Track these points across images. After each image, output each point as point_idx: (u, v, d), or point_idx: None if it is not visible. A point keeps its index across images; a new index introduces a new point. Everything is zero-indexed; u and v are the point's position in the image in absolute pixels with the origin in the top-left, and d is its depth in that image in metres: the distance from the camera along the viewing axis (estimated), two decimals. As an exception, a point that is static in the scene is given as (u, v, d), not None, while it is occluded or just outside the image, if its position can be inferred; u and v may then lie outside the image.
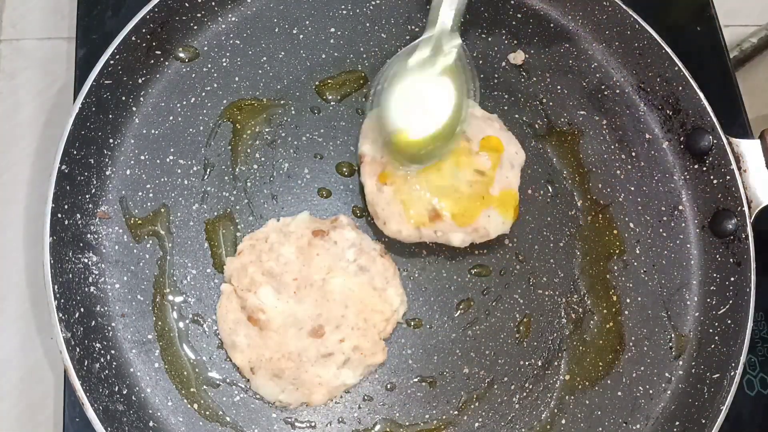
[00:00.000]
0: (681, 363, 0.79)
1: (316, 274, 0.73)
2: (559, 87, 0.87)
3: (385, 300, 0.74)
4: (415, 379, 0.75)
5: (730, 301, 0.78)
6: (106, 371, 0.71)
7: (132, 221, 0.77)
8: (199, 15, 0.83)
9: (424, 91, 0.74)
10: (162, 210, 0.78)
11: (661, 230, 0.83)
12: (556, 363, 0.78)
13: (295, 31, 0.85)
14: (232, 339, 0.72)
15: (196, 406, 0.72)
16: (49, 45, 0.94)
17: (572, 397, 0.77)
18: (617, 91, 0.87)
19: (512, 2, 0.88)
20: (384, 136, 0.75)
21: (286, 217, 0.78)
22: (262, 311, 0.72)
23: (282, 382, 0.71)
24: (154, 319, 0.74)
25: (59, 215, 0.73)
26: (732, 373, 0.75)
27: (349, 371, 0.72)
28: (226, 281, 0.75)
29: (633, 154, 0.85)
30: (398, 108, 0.74)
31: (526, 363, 0.77)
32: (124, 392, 0.71)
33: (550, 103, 0.86)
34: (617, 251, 0.82)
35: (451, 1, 0.74)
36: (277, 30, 0.85)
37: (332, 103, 0.83)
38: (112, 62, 0.77)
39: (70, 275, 0.72)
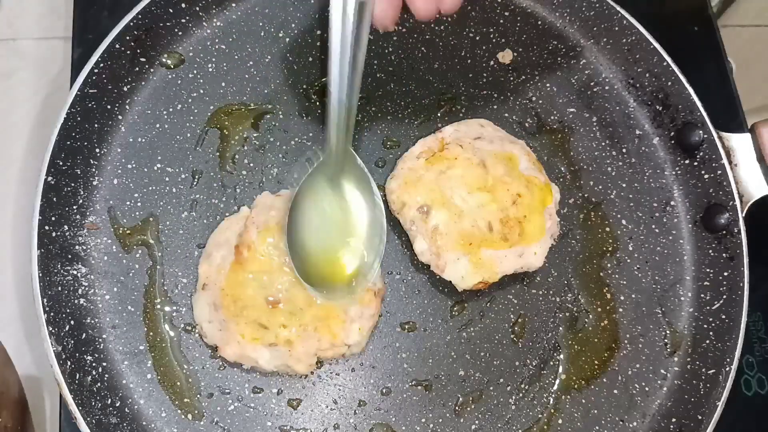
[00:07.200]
0: (676, 359, 0.79)
1: None
2: (548, 85, 0.86)
3: (345, 330, 0.71)
4: (411, 383, 0.75)
5: (724, 296, 0.78)
6: (99, 384, 0.71)
7: (120, 231, 0.76)
8: (183, 20, 0.82)
9: (331, 222, 0.72)
10: (151, 219, 0.77)
11: (653, 226, 0.83)
12: (551, 363, 0.77)
13: (281, 35, 0.84)
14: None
15: (190, 416, 0.72)
16: (46, 45, 0.93)
17: (568, 397, 0.77)
18: (606, 87, 0.87)
19: (500, 1, 0.88)
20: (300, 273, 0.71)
21: None
22: (248, 247, 0.71)
23: (215, 314, 0.71)
24: (146, 329, 0.74)
25: (47, 227, 0.72)
26: (727, 369, 0.75)
27: (267, 355, 0.71)
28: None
29: (624, 150, 0.85)
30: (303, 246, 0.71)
31: (522, 363, 0.77)
32: (117, 405, 0.71)
33: (540, 101, 0.86)
34: (610, 248, 0.82)
35: (338, 120, 0.66)
36: (263, 34, 0.84)
37: (320, 106, 0.83)
38: (96, 71, 0.76)
39: (59, 288, 0.72)
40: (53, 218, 0.73)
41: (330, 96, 0.64)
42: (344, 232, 0.72)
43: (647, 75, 0.84)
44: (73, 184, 0.75)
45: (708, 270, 0.80)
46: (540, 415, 0.76)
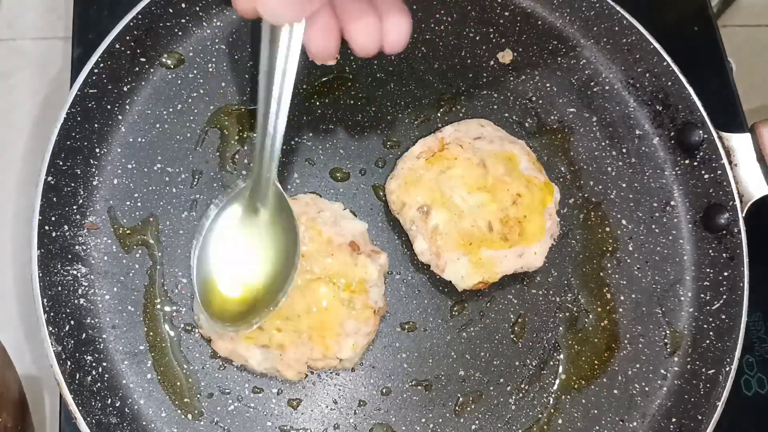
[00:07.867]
0: (676, 359, 0.79)
1: (317, 265, 0.71)
2: (548, 85, 0.86)
3: (339, 343, 0.71)
4: (411, 383, 0.75)
5: (724, 296, 0.78)
6: (99, 384, 0.71)
7: (120, 231, 0.76)
8: (183, 20, 0.82)
9: (243, 248, 0.70)
10: (151, 219, 0.77)
11: (653, 226, 0.83)
12: (551, 363, 0.77)
13: (281, 35, 0.84)
14: None
15: (190, 416, 0.72)
16: (46, 45, 0.93)
17: (568, 397, 0.77)
18: (606, 87, 0.87)
19: (500, 1, 0.88)
20: (199, 295, 0.69)
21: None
22: None
23: None
24: (146, 329, 0.74)
25: (47, 227, 0.72)
26: (727, 369, 0.75)
27: (258, 356, 0.71)
28: None
29: (624, 150, 0.85)
30: (214, 268, 0.69)
31: (522, 363, 0.77)
32: (117, 405, 0.71)
33: (540, 101, 0.86)
34: (610, 248, 0.82)
35: (262, 149, 0.66)
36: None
37: (321, 106, 0.83)
38: (96, 71, 0.76)
39: (59, 288, 0.72)
40: (53, 218, 0.73)
41: (258, 125, 0.64)
42: (255, 264, 0.70)
43: (647, 75, 0.84)
44: (73, 184, 0.75)
45: (708, 270, 0.81)
46: (540, 415, 0.76)
